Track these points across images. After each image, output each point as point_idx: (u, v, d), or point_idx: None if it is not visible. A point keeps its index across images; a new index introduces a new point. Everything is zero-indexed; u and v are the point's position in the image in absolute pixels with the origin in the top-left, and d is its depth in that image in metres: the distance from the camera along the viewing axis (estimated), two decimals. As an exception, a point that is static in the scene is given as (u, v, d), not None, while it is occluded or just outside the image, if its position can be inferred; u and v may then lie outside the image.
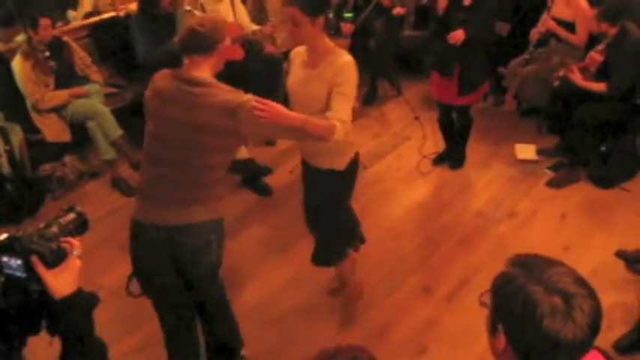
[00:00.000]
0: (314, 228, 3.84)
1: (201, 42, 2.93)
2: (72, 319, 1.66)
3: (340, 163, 3.45)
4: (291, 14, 3.09)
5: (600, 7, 4.90)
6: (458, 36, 4.83)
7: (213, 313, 3.40)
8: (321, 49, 3.23)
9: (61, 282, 1.63)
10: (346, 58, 3.17)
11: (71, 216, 1.75)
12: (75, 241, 1.70)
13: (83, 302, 1.68)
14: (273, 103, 2.76)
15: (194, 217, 2.93)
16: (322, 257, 3.79)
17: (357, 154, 3.54)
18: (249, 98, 2.81)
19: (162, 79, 2.99)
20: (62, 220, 1.73)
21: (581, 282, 1.50)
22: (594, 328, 1.47)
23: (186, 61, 3.03)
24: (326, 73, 3.16)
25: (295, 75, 3.37)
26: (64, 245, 1.66)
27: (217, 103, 2.82)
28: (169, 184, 2.92)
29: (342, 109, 3.07)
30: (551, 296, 1.46)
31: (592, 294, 1.49)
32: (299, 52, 3.42)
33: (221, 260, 3.15)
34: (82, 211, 1.79)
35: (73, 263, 1.67)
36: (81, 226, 1.77)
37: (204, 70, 2.95)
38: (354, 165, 3.52)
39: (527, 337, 1.47)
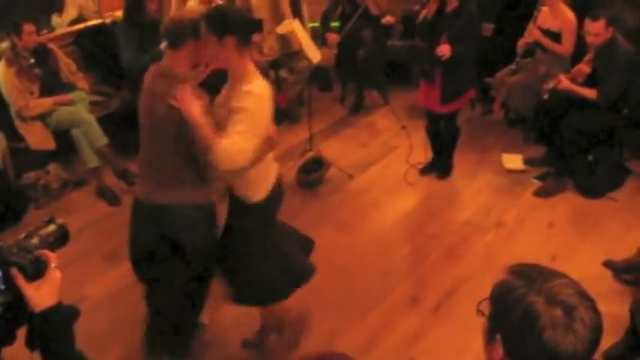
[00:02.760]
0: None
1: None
2: (52, 332, 1.61)
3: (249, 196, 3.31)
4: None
5: (604, 16, 4.86)
6: (444, 50, 4.86)
7: None
8: (235, 74, 3.12)
9: (41, 295, 1.59)
10: (253, 87, 3.04)
11: (52, 228, 1.71)
12: (51, 254, 1.65)
13: (63, 315, 1.64)
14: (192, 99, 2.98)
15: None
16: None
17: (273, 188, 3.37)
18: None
19: None
20: (42, 232, 1.68)
21: (583, 294, 1.47)
22: (595, 341, 1.44)
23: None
24: (231, 100, 3.07)
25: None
26: (44, 257, 1.62)
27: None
28: None
29: (236, 133, 2.95)
30: (552, 308, 1.43)
31: (594, 307, 1.46)
32: None
33: None
34: (63, 222, 1.74)
35: (54, 275, 1.62)
36: (61, 238, 1.72)
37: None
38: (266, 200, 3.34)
39: (527, 348, 1.44)
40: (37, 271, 1.59)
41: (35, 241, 1.64)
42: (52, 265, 1.63)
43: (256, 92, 3.02)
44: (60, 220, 1.74)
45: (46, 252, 1.64)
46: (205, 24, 2.98)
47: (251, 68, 3.10)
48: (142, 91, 3.29)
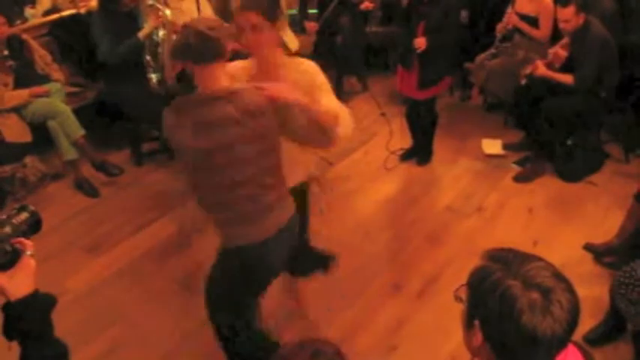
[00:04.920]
0: None
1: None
2: (30, 321, 1.59)
3: None
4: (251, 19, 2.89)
5: (574, 2, 4.86)
6: (420, 43, 4.86)
7: None
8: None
9: (16, 284, 1.58)
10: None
11: (24, 215, 1.68)
12: (27, 241, 1.63)
13: (40, 303, 1.63)
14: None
15: None
16: None
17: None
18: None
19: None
20: (15, 220, 1.65)
21: (559, 276, 1.47)
22: (573, 322, 1.44)
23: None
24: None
25: None
26: (17, 246, 1.60)
27: None
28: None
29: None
30: (529, 291, 1.43)
31: (570, 288, 1.46)
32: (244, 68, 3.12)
33: None
34: (35, 209, 1.72)
35: (27, 264, 1.60)
36: (34, 226, 1.70)
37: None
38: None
39: (506, 333, 1.44)
40: (10, 260, 1.57)
41: (7, 229, 1.62)
42: (28, 252, 1.61)
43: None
44: (32, 207, 1.72)
45: (22, 240, 1.62)
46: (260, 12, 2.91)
47: None
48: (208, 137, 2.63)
